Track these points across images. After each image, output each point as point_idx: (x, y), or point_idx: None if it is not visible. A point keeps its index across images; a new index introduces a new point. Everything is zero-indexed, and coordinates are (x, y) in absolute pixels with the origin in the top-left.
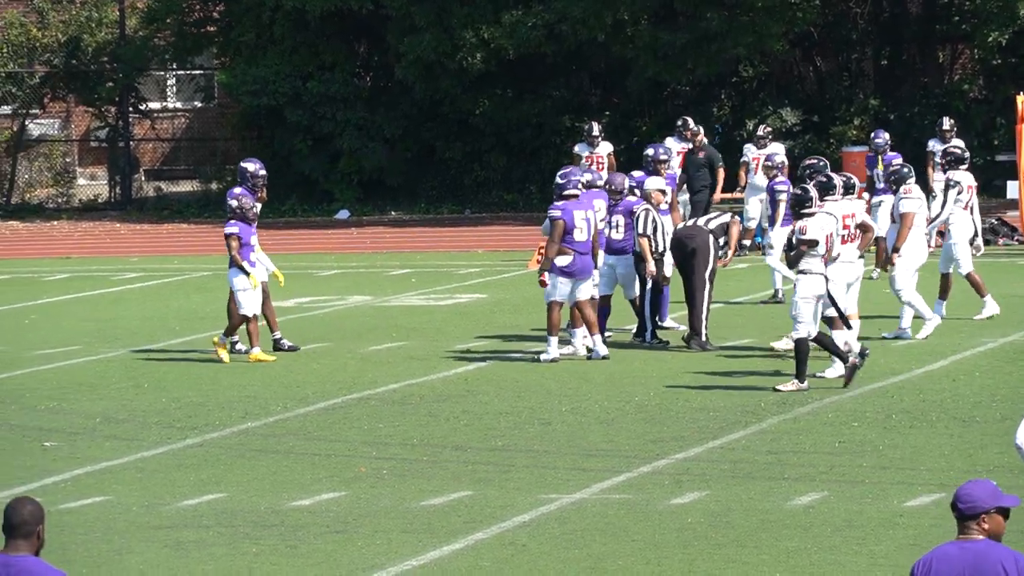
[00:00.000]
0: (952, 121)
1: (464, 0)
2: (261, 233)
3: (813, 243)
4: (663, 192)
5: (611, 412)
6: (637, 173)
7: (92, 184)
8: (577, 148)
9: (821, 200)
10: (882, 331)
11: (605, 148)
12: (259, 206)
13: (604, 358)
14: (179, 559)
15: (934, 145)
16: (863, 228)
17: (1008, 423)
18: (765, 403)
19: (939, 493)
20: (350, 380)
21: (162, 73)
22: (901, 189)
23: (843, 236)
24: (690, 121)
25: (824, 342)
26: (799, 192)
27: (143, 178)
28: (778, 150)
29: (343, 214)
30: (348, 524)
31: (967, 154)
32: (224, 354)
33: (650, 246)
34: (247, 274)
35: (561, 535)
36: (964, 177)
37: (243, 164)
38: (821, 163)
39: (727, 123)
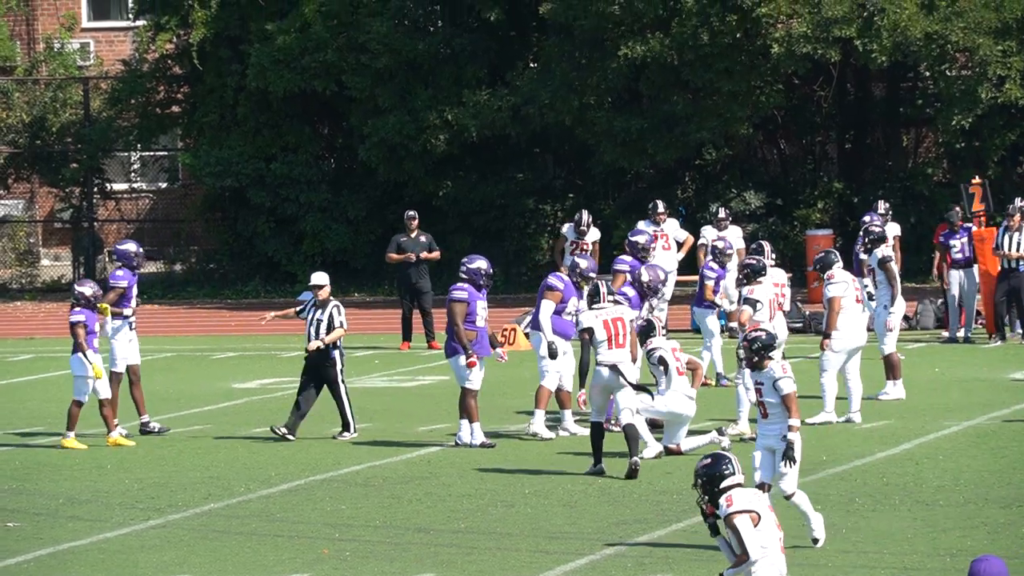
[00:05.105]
0: (887, 205)
1: (428, 82)
2: (224, 313)
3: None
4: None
5: (574, 495)
6: (628, 258)
7: (56, 265)
8: (564, 230)
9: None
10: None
11: (593, 236)
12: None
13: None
14: None
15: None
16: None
17: (971, 507)
18: None
19: None
20: (313, 462)
21: (126, 154)
22: (825, 275)
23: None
24: (660, 204)
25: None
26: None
27: (107, 259)
28: (736, 233)
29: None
30: None
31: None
32: (76, 443)
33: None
34: (90, 362)
35: None
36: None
37: (124, 247)
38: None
39: (691, 205)
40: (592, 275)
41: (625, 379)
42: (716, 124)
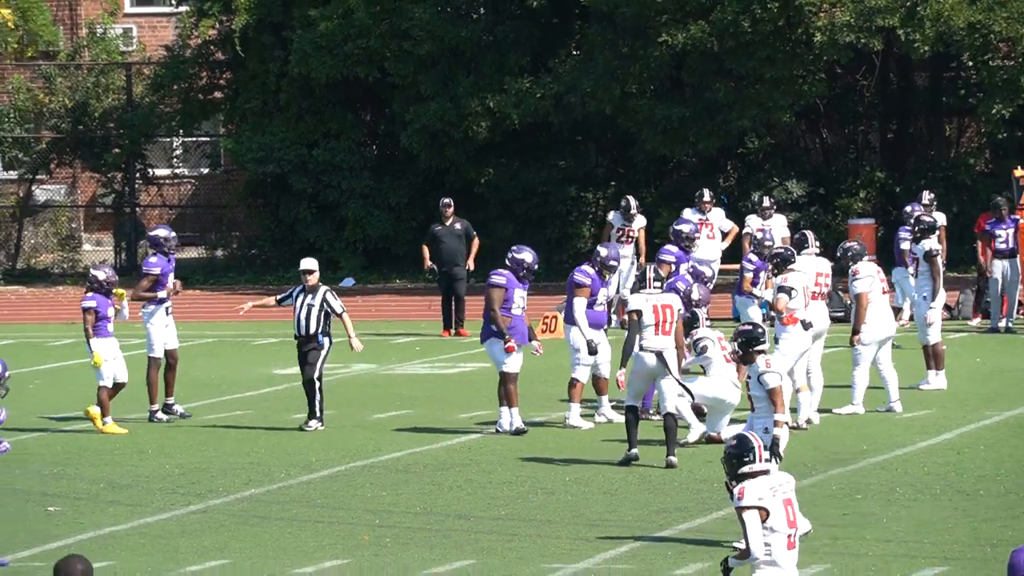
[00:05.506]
0: (931, 195)
1: (470, 69)
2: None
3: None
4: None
5: (614, 482)
6: (674, 248)
7: (98, 250)
8: (611, 217)
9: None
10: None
11: (639, 222)
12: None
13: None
14: None
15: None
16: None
17: (1013, 497)
18: None
19: (942, 566)
20: (354, 448)
21: (169, 140)
22: (851, 270)
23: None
24: (706, 193)
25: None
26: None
27: (148, 244)
28: (780, 222)
29: (348, 282)
30: None
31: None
32: (116, 428)
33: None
34: (92, 350)
35: None
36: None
37: (155, 232)
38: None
39: (733, 194)
40: (614, 263)
41: (669, 369)
42: (758, 112)
